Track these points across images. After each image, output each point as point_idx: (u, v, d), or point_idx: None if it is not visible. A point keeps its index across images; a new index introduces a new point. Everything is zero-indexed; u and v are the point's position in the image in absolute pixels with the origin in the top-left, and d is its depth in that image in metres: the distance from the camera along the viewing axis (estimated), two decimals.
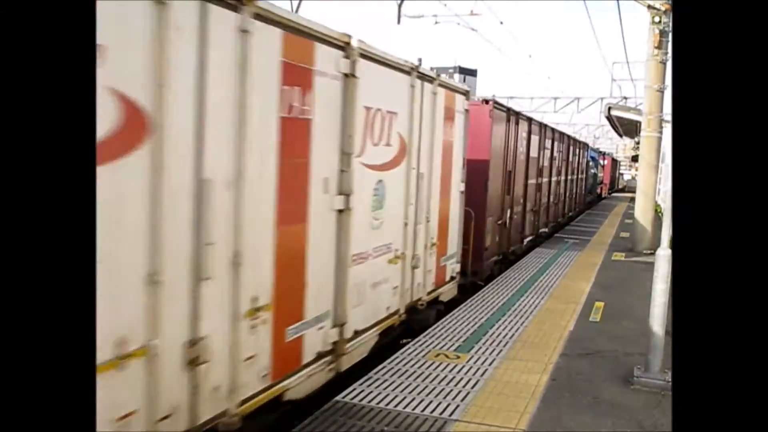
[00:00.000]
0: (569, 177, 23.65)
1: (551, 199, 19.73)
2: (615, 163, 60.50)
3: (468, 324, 8.70)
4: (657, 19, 15.57)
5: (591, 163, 34.68)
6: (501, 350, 7.62)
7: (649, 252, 15.78)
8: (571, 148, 23.57)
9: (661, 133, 16.72)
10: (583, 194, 30.08)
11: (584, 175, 29.64)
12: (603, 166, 45.42)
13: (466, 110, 10.02)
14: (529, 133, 15.24)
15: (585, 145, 29.48)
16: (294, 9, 18.34)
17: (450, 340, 7.95)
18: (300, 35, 5.43)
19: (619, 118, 32.78)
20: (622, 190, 59.55)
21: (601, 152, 47.35)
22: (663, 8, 15.52)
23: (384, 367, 6.84)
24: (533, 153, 15.92)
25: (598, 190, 42.29)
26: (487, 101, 11.92)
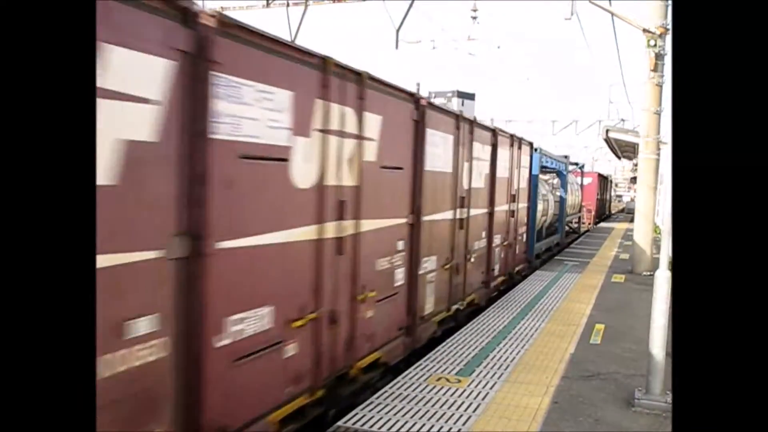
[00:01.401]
0: (479, 211, 11.49)
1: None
2: (605, 182, 47.72)
3: (469, 348, 8.68)
4: (653, 42, 15.73)
5: (554, 182, 22.83)
6: (502, 373, 7.60)
7: (648, 274, 15.78)
8: (477, 146, 11.10)
9: (658, 155, 16.80)
10: (527, 241, 16.37)
11: (522, 206, 15.33)
12: (581, 186, 31.40)
13: None
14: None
15: (522, 145, 14.82)
16: (292, 36, 18.53)
17: (451, 363, 7.93)
18: None
19: (617, 140, 32.91)
20: (621, 212, 57.53)
21: (574, 164, 29.44)
22: (658, 32, 15.69)
23: (385, 392, 6.82)
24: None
25: (575, 223, 29.85)
26: None
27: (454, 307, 10.18)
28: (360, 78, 6.52)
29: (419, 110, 8.11)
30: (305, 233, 5.64)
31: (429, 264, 8.85)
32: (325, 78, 5.83)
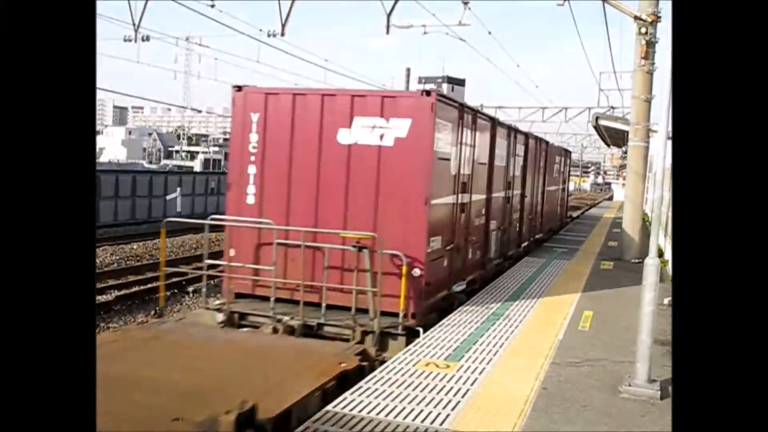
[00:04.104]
0: None
1: None
2: (549, 157, 20.81)
3: (458, 333, 8.70)
4: (644, 30, 15.70)
5: None
6: (491, 359, 7.62)
7: (637, 261, 15.85)
8: None
9: (648, 142, 16.83)
10: None
11: None
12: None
13: None
14: None
15: None
16: (282, 20, 18.37)
17: (440, 349, 7.94)
18: None
19: (606, 128, 33.04)
20: (609, 199, 55.63)
21: None
22: (649, 19, 15.66)
23: (374, 377, 6.82)
24: None
25: None
26: None
27: None
28: None
29: None
30: None
31: None
32: None
